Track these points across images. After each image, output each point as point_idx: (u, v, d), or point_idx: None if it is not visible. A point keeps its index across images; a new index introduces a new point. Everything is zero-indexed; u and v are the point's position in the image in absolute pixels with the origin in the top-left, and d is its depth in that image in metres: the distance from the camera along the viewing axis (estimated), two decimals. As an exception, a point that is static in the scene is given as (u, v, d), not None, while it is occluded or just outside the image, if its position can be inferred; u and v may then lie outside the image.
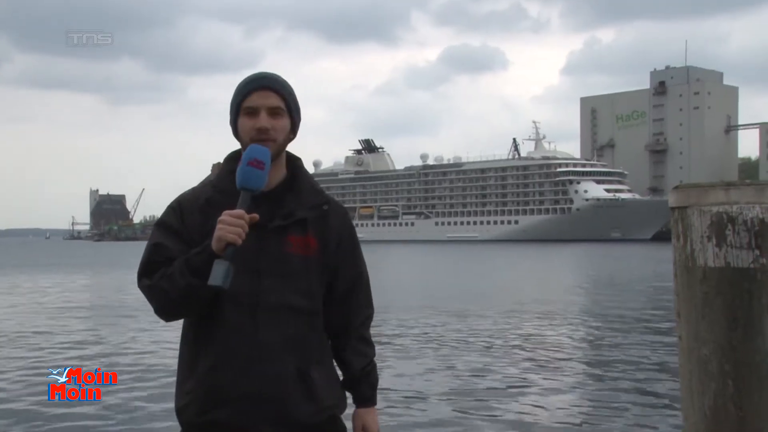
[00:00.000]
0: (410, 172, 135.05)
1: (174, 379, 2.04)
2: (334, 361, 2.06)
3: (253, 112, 1.90)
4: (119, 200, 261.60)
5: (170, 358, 9.98)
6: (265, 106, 1.89)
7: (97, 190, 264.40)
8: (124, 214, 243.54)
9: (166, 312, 1.91)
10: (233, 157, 1.97)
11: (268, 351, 1.86)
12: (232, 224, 1.76)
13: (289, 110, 1.94)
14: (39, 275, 30.89)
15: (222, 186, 1.93)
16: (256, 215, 1.81)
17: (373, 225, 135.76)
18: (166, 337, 11.93)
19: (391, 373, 8.64)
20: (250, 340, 1.86)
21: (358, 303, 2.06)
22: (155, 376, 8.36)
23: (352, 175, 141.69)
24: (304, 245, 1.92)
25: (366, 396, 2.05)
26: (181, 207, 1.93)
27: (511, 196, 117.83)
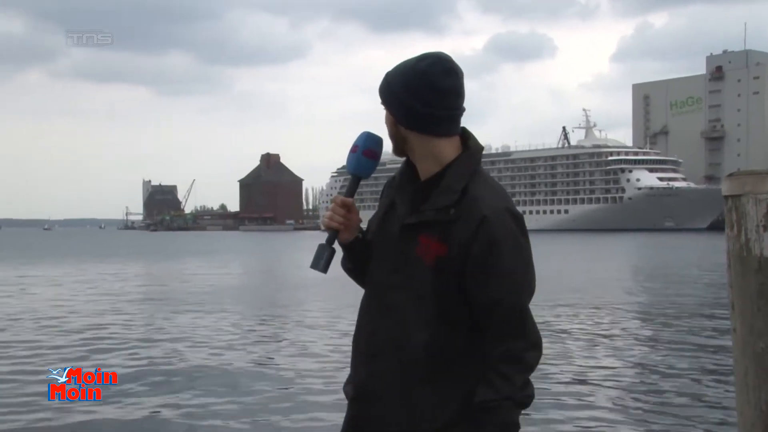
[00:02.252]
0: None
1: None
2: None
3: None
4: (171, 191, 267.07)
5: (177, 355, 10.16)
6: None
7: (150, 181, 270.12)
8: (175, 204, 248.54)
9: None
10: None
11: (374, 347, 1.83)
12: (329, 209, 1.87)
13: (386, 103, 1.85)
14: (88, 265, 31.72)
15: (397, 173, 1.94)
16: (347, 199, 1.87)
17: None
18: (189, 331, 12.14)
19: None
20: (366, 332, 1.87)
21: (494, 333, 1.74)
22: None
23: (400, 166, 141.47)
24: (428, 249, 1.76)
25: None
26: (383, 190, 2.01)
27: (561, 185, 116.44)
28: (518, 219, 1.77)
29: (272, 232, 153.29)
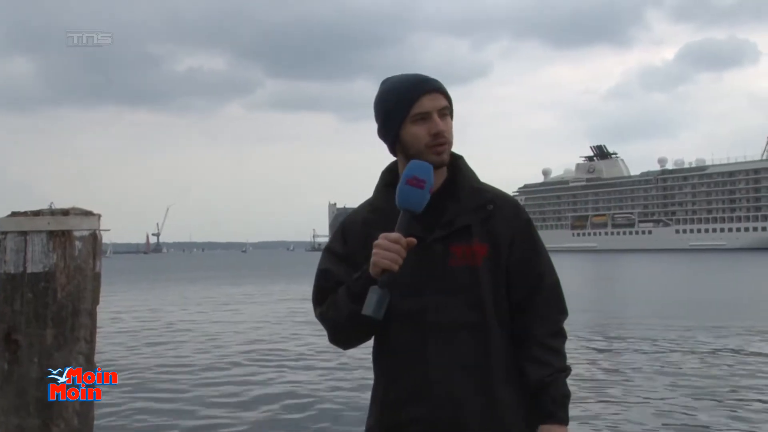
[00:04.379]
0: (647, 178, 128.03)
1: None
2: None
3: (426, 117, 1.76)
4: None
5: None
6: (436, 108, 1.76)
7: (335, 204, 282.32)
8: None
9: (338, 341, 1.84)
10: (390, 170, 1.88)
11: (439, 373, 1.72)
12: (387, 249, 1.65)
13: (451, 110, 1.82)
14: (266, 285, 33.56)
15: (377, 204, 1.83)
16: (413, 239, 1.67)
17: (606, 234, 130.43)
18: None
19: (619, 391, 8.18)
20: (419, 362, 1.73)
21: (540, 308, 1.80)
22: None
23: (584, 183, 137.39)
24: (470, 255, 1.75)
25: (546, 411, 1.75)
26: (344, 230, 1.86)
27: (766, 200, 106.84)
28: None
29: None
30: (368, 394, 1.88)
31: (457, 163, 1.86)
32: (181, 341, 13.22)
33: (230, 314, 18.65)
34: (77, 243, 1.67)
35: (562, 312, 1.85)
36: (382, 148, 1.88)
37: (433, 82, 1.79)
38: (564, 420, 1.77)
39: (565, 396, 1.78)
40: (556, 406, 1.76)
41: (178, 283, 36.16)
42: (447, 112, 1.79)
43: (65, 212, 1.67)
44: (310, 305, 1.85)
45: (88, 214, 1.71)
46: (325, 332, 1.85)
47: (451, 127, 1.80)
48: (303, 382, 8.99)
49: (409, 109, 1.76)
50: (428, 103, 1.76)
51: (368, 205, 1.87)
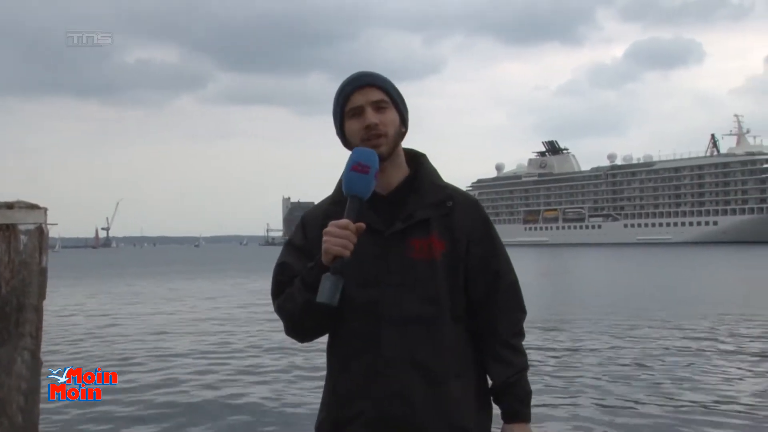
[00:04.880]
0: (597, 173, 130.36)
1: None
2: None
3: (359, 112, 1.80)
4: (309, 207, 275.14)
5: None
6: (368, 101, 1.79)
7: (289, 198, 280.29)
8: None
9: (295, 332, 1.83)
10: None
11: (392, 366, 1.73)
12: (337, 235, 1.65)
13: (394, 102, 1.83)
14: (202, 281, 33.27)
15: (338, 197, 1.81)
16: (362, 224, 1.68)
17: (557, 228, 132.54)
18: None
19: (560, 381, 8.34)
20: (373, 355, 1.74)
21: (500, 307, 1.84)
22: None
23: (536, 178, 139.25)
24: (427, 248, 1.77)
25: (512, 410, 1.81)
26: (304, 223, 1.88)
27: (709, 195, 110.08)
28: None
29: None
30: (320, 392, 1.88)
31: (419, 160, 1.89)
32: (126, 336, 13.01)
33: (178, 309, 18.40)
34: (22, 237, 1.63)
35: (522, 311, 1.89)
36: (337, 142, 1.89)
37: (366, 77, 1.82)
38: (528, 417, 1.83)
39: (528, 394, 1.84)
40: (521, 405, 1.82)
41: (128, 278, 35.50)
42: (384, 104, 1.81)
43: (9, 205, 1.63)
44: (261, 299, 1.85)
45: (33, 207, 1.67)
46: (280, 327, 1.85)
47: (391, 119, 1.81)
48: (253, 377, 8.93)
49: (345, 106, 1.82)
50: (359, 97, 1.80)
51: (330, 198, 1.88)
